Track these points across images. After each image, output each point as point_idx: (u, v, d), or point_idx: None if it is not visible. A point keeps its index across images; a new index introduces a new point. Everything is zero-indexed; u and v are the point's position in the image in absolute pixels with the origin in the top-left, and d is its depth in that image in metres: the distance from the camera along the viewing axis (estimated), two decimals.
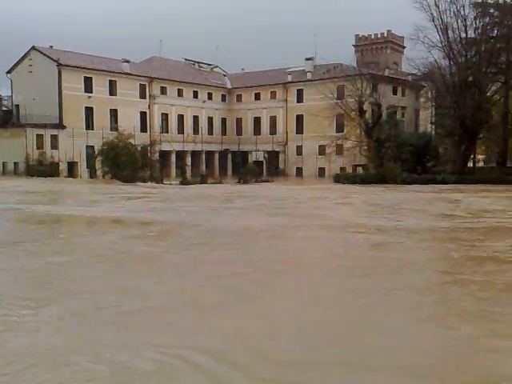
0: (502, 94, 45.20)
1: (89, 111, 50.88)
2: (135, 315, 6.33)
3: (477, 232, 13.49)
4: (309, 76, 58.19)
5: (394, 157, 41.14)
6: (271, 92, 61.06)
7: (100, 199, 24.36)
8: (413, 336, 5.63)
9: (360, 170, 47.79)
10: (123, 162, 40.19)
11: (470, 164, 46.07)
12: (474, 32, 43.23)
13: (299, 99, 58.88)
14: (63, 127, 48.35)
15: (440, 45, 43.10)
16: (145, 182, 39.51)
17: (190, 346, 5.25)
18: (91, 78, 50.89)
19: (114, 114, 52.60)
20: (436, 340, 5.51)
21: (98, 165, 43.46)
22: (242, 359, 4.92)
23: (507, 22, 42.83)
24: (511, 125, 45.12)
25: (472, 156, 46.04)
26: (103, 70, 51.83)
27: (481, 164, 53.58)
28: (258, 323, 6.03)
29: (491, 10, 44.04)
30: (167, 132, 56.69)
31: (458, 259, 9.91)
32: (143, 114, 55.42)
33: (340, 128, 53.16)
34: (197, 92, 60.68)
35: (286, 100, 59.66)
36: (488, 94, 44.23)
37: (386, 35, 71.95)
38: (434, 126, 54.74)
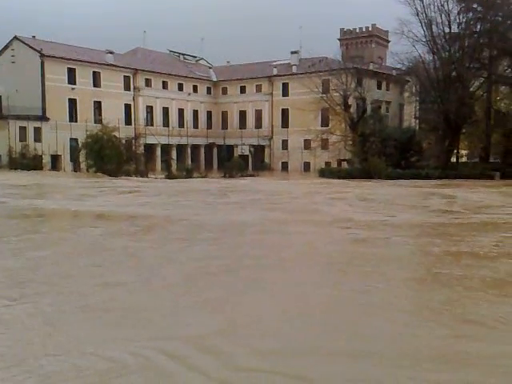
0: (484, 90, 45.68)
1: (72, 103, 50.40)
2: (117, 311, 6.34)
3: (467, 228, 13.57)
4: (294, 69, 58.20)
5: (379, 152, 41.39)
6: (256, 85, 60.95)
7: (89, 193, 24.18)
8: (388, 327, 5.73)
9: (345, 165, 48.00)
10: (108, 156, 39.88)
11: (454, 159, 46.53)
12: (458, 27, 43.58)
13: (284, 93, 58.89)
14: (46, 119, 47.83)
15: (424, 39, 43.47)
16: (129, 175, 39.31)
17: (174, 341, 5.28)
18: (74, 69, 50.38)
19: (97, 106, 52.18)
20: (409, 330, 5.64)
21: (82, 158, 43.09)
22: (228, 352, 4.97)
23: (490, 18, 43.22)
24: (494, 120, 45.61)
25: (455, 151, 46.50)
26: (87, 61, 51.33)
27: (464, 159, 54.07)
28: (239, 319, 6.08)
29: (474, 6, 44.31)
30: (152, 125, 56.37)
31: (440, 255, 10.05)
32: (128, 107, 55.03)
33: (325, 122, 53.33)
34: (182, 84, 60.36)
35: (272, 93, 59.63)
36: (471, 89, 44.68)
37: (370, 29, 72.23)
38: (417, 121, 55.16)
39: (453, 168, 42.11)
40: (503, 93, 48.60)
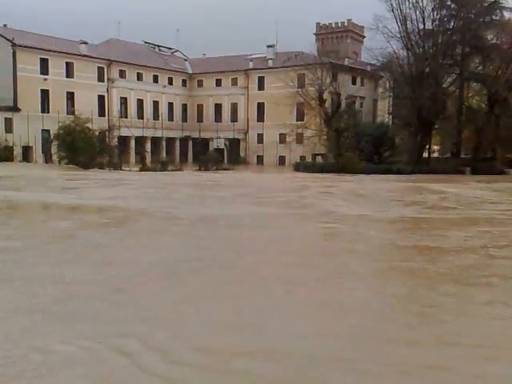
0: (457, 86, 46.47)
1: (44, 94, 49.51)
2: (64, 304, 6.28)
3: (448, 223, 13.60)
4: (270, 63, 58.18)
5: (353, 146, 41.84)
6: (232, 78, 60.80)
7: (65, 185, 23.91)
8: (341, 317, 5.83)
9: (319, 159, 48.36)
10: (80, 147, 39.36)
11: (426, 154, 47.25)
12: (432, 23, 44.25)
13: (260, 87, 58.88)
14: (18, 110, 46.90)
15: (399, 35, 44.01)
16: (103, 168, 38.89)
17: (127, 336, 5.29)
18: (47, 59, 49.48)
19: (70, 97, 51.39)
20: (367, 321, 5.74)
21: (53, 149, 42.46)
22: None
23: (463, 15, 44.01)
24: (465, 117, 46.45)
25: (427, 146, 47.21)
26: (60, 52, 50.46)
27: (436, 154, 54.94)
28: (183, 311, 6.12)
29: (448, 3, 45.09)
30: (126, 117, 55.75)
31: (405, 248, 10.22)
32: (101, 98, 54.30)
33: (300, 117, 53.53)
34: (157, 76, 59.84)
35: (248, 87, 59.54)
36: (444, 86, 45.39)
37: (346, 24, 72.42)
38: (391, 117, 55.78)
39: (425, 163, 42.82)
40: (475, 89, 49.54)
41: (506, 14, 45.52)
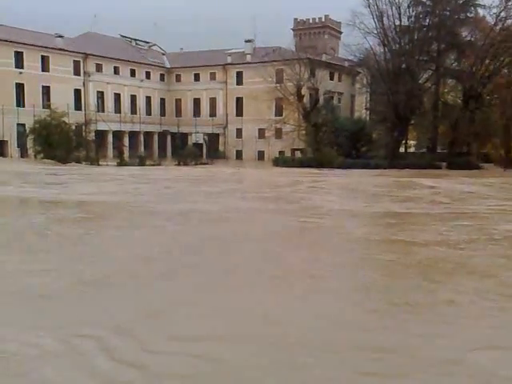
0: (432, 82, 47.13)
1: (20, 88, 48.77)
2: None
3: (430, 218, 13.74)
4: (248, 58, 58.23)
5: (331, 141, 42.21)
6: (211, 73, 60.65)
7: (47, 181, 23.67)
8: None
9: (298, 154, 48.63)
10: (56, 142, 38.98)
11: (402, 149, 47.88)
12: (408, 20, 44.97)
13: (239, 81, 58.87)
14: None
15: (375, 31, 44.59)
16: (79, 162, 38.55)
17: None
18: (22, 52, 48.72)
19: (46, 91, 50.69)
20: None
21: (29, 144, 41.93)
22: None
23: (438, 12, 44.68)
24: (441, 112, 47.15)
25: (404, 142, 47.84)
26: (35, 45, 49.70)
27: (412, 149, 55.70)
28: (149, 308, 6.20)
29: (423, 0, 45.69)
30: (103, 111, 55.21)
31: (375, 242, 10.41)
32: (77, 92, 53.67)
33: (279, 112, 53.71)
34: (134, 70, 59.37)
35: (226, 82, 59.48)
36: (420, 82, 46.01)
37: (323, 20, 72.67)
38: (368, 112, 56.34)
39: (401, 158, 43.38)
40: (450, 85, 50.31)
41: (480, 11, 46.40)
